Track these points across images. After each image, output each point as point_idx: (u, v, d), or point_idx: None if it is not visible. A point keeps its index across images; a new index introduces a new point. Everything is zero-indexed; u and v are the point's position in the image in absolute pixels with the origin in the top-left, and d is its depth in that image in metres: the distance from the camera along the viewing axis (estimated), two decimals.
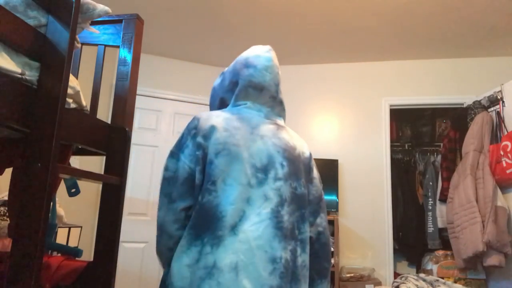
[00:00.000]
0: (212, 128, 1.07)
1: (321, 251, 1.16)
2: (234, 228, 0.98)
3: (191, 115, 3.69)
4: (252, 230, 0.98)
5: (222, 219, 0.99)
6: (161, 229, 1.08)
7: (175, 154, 1.09)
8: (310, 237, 1.13)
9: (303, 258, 1.06)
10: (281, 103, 1.24)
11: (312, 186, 1.18)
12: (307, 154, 1.20)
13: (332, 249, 2.94)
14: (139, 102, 3.32)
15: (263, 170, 1.06)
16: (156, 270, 3.30)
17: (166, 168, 1.09)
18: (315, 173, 1.22)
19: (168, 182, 1.08)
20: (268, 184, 1.04)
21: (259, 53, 1.26)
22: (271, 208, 1.02)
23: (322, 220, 1.20)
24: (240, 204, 1.00)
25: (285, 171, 1.08)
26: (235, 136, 1.07)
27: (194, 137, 1.08)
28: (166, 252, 1.08)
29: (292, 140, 1.17)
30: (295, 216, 1.07)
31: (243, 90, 1.19)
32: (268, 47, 1.30)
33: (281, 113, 1.25)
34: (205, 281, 0.93)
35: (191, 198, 1.05)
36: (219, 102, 1.29)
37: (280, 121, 1.23)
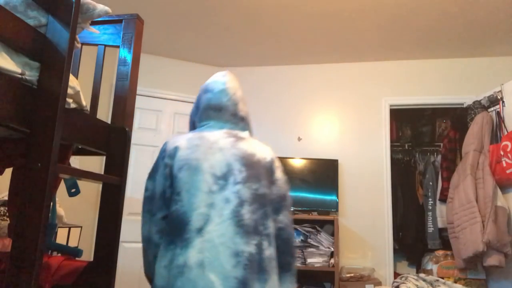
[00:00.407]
0: (176, 149, 1.27)
1: (283, 246, 1.26)
2: (200, 231, 1.14)
3: None
4: (215, 230, 1.14)
5: (189, 223, 1.15)
6: (149, 241, 1.26)
7: (151, 176, 1.30)
8: (275, 233, 1.26)
9: (271, 251, 1.18)
10: (242, 119, 1.40)
11: (274, 187, 1.31)
12: (268, 159, 1.33)
13: (332, 249, 2.94)
14: (139, 102, 3.32)
15: (223, 177, 1.22)
16: None
17: (146, 189, 1.30)
18: (278, 174, 1.34)
19: (149, 200, 1.28)
20: (228, 188, 1.20)
21: (216, 79, 1.41)
22: (231, 209, 1.17)
23: (284, 217, 1.29)
24: (203, 209, 1.17)
25: (243, 175, 1.23)
26: (196, 152, 1.25)
27: (163, 158, 1.28)
28: (153, 261, 1.23)
29: (251, 148, 1.31)
30: (258, 214, 1.21)
31: (204, 112, 1.38)
32: (224, 72, 1.45)
33: (245, 127, 1.41)
34: (177, 279, 1.09)
35: (166, 209, 1.24)
36: (191, 125, 1.47)
37: (243, 134, 1.37)
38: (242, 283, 1.08)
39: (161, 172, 1.27)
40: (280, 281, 1.23)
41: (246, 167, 1.25)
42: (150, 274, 1.27)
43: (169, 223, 1.20)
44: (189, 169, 1.22)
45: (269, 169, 1.32)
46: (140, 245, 3.03)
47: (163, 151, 1.31)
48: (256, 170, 1.27)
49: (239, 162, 1.25)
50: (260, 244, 1.16)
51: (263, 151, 1.34)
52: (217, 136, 1.31)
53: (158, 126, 3.57)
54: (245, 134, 1.38)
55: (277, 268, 1.21)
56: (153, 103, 3.59)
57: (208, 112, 1.36)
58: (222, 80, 1.40)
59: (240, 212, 1.17)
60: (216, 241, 1.12)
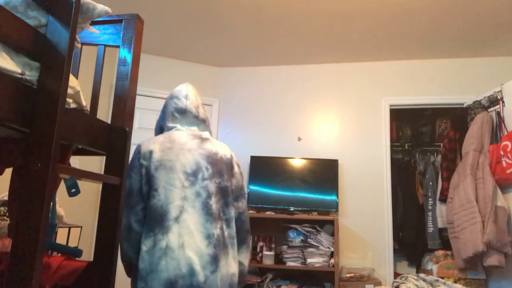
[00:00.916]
0: (151, 152, 1.50)
1: (241, 226, 1.59)
2: (177, 219, 1.40)
3: None
4: (189, 219, 1.40)
5: (167, 214, 1.40)
6: (129, 229, 1.46)
7: (128, 174, 1.48)
8: (234, 217, 1.55)
9: (229, 232, 1.50)
10: (203, 121, 1.67)
11: (233, 179, 1.60)
12: (228, 156, 1.61)
13: (332, 249, 2.94)
14: (139, 102, 3.32)
15: (193, 174, 1.47)
16: None
17: (125, 187, 1.45)
18: (236, 169, 1.63)
19: (128, 195, 1.47)
20: (198, 184, 1.46)
21: (180, 88, 1.70)
22: (201, 201, 1.44)
23: (242, 204, 1.61)
24: (178, 201, 1.42)
25: (209, 172, 1.50)
26: (169, 154, 1.49)
27: (138, 159, 1.50)
28: (135, 247, 1.45)
29: (215, 147, 1.58)
30: (221, 203, 1.50)
31: (170, 114, 1.64)
32: (186, 83, 1.75)
33: (206, 128, 1.68)
34: (162, 259, 1.34)
35: (143, 202, 1.47)
36: (159, 129, 1.73)
37: (206, 134, 1.64)
38: (213, 257, 1.38)
39: (136, 171, 1.49)
40: (238, 252, 1.55)
41: (211, 165, 1.51)
42: (127, 259, 1.50)
43: (149, 214, 1.43)
44: (165, 168, 1.46)
45: (229, 165, 1.60)
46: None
47: (137, 153, 1.52)
48: (219, 166, 1.54)
49: (206, 160, 1.51)
50: (222, 227, 1.47)
51: (224, 149, 1.61)
52: (185, 139, 1.55)
53: None
54: (206, 134, 1.64)
55: (237, 243, 1.53)
56: (153, 103, 3.59)
57: (174, 114, 1.63)
58: (185, 88, 1.69)
59: (209, 203, 1.45)
60: (191, 227, 1.39)
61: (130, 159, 1.44)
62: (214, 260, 1.38)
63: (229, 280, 1.43)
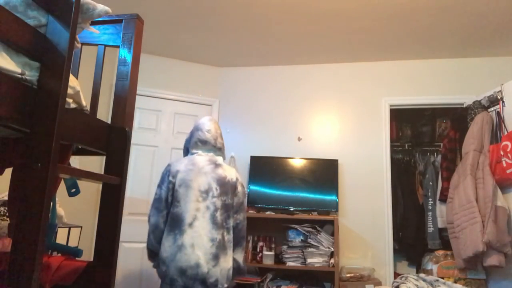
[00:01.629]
0: (177, 171, 2.00)
1: (238, 233, 2.05)
2: (190, 225, 1.89)
3: (191, 115, 3.69)
4: (200, 225, 1.90)
5: (184, 220, 1.90)
6: (157, 226, 1.96)
7: (160, 185, 2.03)
8: (233, 226, 2.02)
9: (228, 237, 1.97)
10: (220, 149, 2.15)
11: (236, 198, 2.06)
12: (234, 179, 2.07)
13: (332, 249, 2.95)
14: (139, 102, 3.32)
15: (206, 192, 1.97)
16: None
17: (156, 193, 2.02)
18: (239, 189, 2.09)
19: (157, 201, 1.99)
20: (208, 200, 1.96)
21: (204, 121, 2.19)
22: (210, 213, 1.93)
23: (240, 216, 2.07)
24: (193, 212, 1.92)
25: (218, 192, 1.99)
26: (189, 175, 1.99)
27: (168, 176, 2.01)
28: (158, 239, 1.95)
29: (224, 172, 2.05)
30: (224, 216, 1.97)
31: (194, 142, 2.14)
32: (210, 117, 2.24)
33: (221, 154, 2.16)
34: (178, 253, 1.84)
35: (168, 208, 1.98)
36: (185, 151, 2.22)
37: (220, 160, 2.11)
38: (215, 256, 1.87)
39: (166, 185, 2.00)
40: (234, 251, 2.01)
41: (220, 186, 2.00)
42: (151, 247, 1.99)
43: (171, 218, 1.94)
44: (185, 186, 1.96)
45: (234, 186, 2.06)
46: (140, 245, 3.30)
47: (168, 171, 2.03)
48: (226, 188, 2.01)
49: (216, 182, 2.00)
50: (223, 233, 1.94)
51: (231, 174, 2.08)
52: (203, 164, 2.03)
53: (158, 126, 3.57)
54: (220, 160, 2.12)
55: (233, 245, 2.01)
56: (153, 103, 3.59)
57: (198, 144, 2.12)
58: (207, 123, 2.16)
59: (215, 215, 1.94)
60: (200, 232, 1.88)
61: (128, 159, 1.43)
62: (215, 258, 1.87)
63: (227, 273, 1.91)
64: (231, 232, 1.99)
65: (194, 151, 2.10)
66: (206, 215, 1.91)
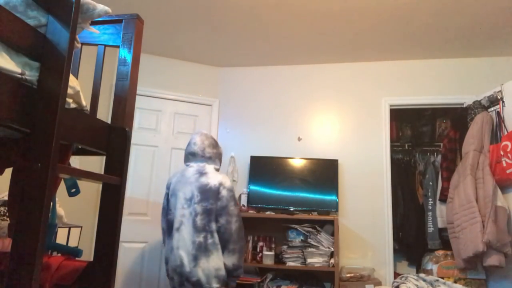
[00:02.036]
0: (170, 183, 2.36)
1: (222, 236, 2.17)
2: (178, 229, 2.19)
3: (191, 115, 3.69)
4: (184, 230, 2.16)
5: (173, 225, 2.22)
6: (163, 231, 2.40)
7: (164, 197, 2.41)
8: (216, 230, 2.18)
9: (213, 240, 2.14)
10: (210, 158, 2.35)
11: (219, 202, 2.20)
12: (217, 185, 2.22)
13: (332, 249, 2.95)
14: (139, 102, 3.32)
15: (189, 200, 2.22)
16: (156, 270, 3.30)
17: (163, 203, 2.41)
18: (223, 193, 2.21)
19: (162, 209, 2.40)
20: (192, 206, 2.20)
21: (193, 136, 2.42)
22: (192, 218, 2.17)
23: (222, 220, 2.18)
24: (179, 218, 2.21)
25: (198, 198, 2.19)
26: (178, 185, 2.29)
27: (167, 188, 2.40)
28: (164, 237, 2.38)
29: (208, 180, 2.23)
30: (206, 220, 2.16)
31: (185, 156, 2.41)
32: (199, 133, 2.43)
33: (213, 163, 2.36)
34: (170, 254, 2.19)
35: (166, 215, 2.35)
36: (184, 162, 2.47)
37: (207, 169, 2.30)
38: (194, 257, 2.09)
39: (165, 195, 2.39)
40: (223, 254, 2.16)
41: (200, 193, 2.20)
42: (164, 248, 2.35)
43: (167, 224, 2.32)
44: (175, 195, 2.28)
45: (215, 191, 2.20)
46: (140, 245, 3.40)
47: (167, 183, 2.40)
48: (206, 194, 2.19)
49: (197, 190, 2.21)
50: (205, 237, 2.13)
51: (214, 180, 2.23)
52: (190, 175, 2.28)
53: (158, 126, 3.57)
54: (209, 168, 2.30)
55: (221, 248, 2.16)
56: (153, 103, 3.59)
57: (188, 156, 2.38)
58: (194, 137, 2.39)
59: (196, 220, 2.15)
60: (185, 235, 2.15)
61: (128, 159, 1.44)
62: (195, 259, 2.10)
63: (214, 273, 2.09)
64: (215, 235, 2.15)
65: (186, 163, 2.39)
66: (190, 221, 2.16)
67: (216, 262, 2.09)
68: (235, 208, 2.22)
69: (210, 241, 2.12)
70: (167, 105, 3.63)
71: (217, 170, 2.36)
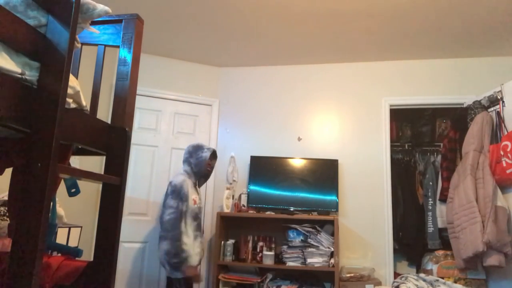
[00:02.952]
0: None
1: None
2: None
3: (191, 115, 3.69)
4: None
5: None
6: None
7: None
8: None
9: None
10: (183, 162, 2.87)
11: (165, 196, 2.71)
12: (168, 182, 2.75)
13: (332, 249, 2.94)
14: (139, 102, 3.32)
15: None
16: (156, 269, 3.30)
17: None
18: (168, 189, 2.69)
19: None
20: None
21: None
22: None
23: (161, 211, 2.69)
24: None
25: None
26: None
27: None
28: None
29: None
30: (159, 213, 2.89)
31: None
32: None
33: (185, 167, 2.85)
34: None
35: None
36: None
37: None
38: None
39: None
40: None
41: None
42: None
43: None
44: None
45: (167, 188, 2.71)
46: (140, 245, 3.34)
47: None
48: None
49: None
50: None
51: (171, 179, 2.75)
52: None
53: (158, 126, 3.57)
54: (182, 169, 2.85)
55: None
56: (153, 103, 3.59)
57: None
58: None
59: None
60: None
61: (128, 159, 1.44)
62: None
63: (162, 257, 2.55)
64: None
65: None
66: None
67: (161, 248, 2.52)
68: (172, 201, 2.57)
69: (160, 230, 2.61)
70: (167, 105, 3.63)
71: (184, 171, 2.78)
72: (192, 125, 3.68)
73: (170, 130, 3.61)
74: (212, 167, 2.92)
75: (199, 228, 2.71)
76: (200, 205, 2.79)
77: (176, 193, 2.59)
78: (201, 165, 2.77)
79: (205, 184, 3.13)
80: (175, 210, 2.52)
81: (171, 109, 3.64)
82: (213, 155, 2.90)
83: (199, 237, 2.68)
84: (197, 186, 2.82)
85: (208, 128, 3.71)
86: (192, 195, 2.68)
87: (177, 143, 3.57)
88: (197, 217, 2.70)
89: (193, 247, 2.58)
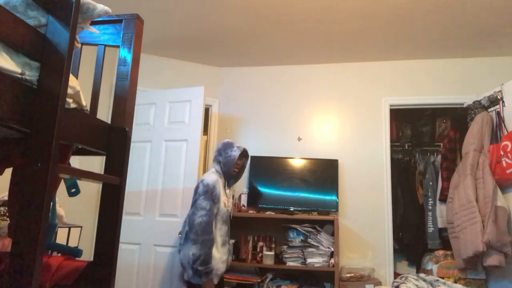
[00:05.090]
0: None
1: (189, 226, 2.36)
2: None
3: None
4: None
5: None
6: None
7: None
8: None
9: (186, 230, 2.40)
10: (213, 160, 2.61)
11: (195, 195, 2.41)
12: (199, 180, 2.45)
13: (332, 249, 2.94)
14: (138, 99, 3.29)
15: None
16: (153, 269, 3.29)
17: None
18: (199, 187, 2.39)
19: None
20: None
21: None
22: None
23: (190, 211, 2.38)
24: None
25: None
26: None
27: None
28: None
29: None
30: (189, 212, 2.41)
31: None
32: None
33: (215, 166, 2.57)
34: None
35: None
36: None
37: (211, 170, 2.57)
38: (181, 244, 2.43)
39: None
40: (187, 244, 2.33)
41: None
42: None
43: None
44: None
45: (196, 186, 2.42)
46: (136, 246, 3.11)
47: None
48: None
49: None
50: (184, 226, 2.50)
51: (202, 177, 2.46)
52: None
53: (153, 121, 3.53)
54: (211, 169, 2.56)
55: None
56: (150, 99, 3.55)
57: None
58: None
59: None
60: None
61: (129, 159, 1.44)
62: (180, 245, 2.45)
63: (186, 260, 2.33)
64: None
65: None
66: None
67: (188, 251, 2.26)
68: (204, 202, 2.30)
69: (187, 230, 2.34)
70: (163, 99, 3.61)
71: (216, 170, 2.51)
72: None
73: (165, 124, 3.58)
74: (240, 168, 2.63)
75: (228, 234, 2.50)
76: (229, 208, 2.56)
77: (209, 193, 2.31)
78: (229, 165, 2.49)
79: None
80: (208, 213, 2.26)
81: (166, 100, 3.60)
82: (243, 154, 2.62)
83: (227, 244, 2.46)
84: (226, 187, 2.56)
85: (208, 128, 3.71)
86: (223, 197, 2.45)
87: (170, 136, 3.54)
88: (227, 221, 2.48)
89: (220, 255, 2.34)
